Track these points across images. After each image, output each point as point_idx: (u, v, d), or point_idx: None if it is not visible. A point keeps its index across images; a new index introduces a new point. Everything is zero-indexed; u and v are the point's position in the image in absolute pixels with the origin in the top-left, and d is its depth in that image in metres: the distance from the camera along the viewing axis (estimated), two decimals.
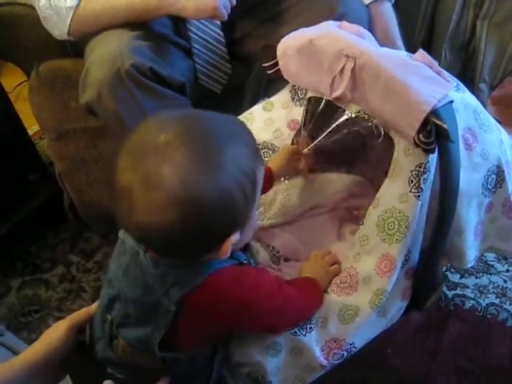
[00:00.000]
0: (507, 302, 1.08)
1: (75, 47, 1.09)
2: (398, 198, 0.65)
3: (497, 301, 1.08)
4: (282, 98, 0.84)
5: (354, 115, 0.68)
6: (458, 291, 1.10)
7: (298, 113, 0.82)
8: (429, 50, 1.50)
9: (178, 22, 1.02)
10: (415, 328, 1.04)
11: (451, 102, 0.59)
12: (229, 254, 0.56)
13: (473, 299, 1.09)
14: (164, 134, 0.50)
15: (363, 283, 0.68)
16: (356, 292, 0.69)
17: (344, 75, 0.64)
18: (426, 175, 0.63)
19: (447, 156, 0.59)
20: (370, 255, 0.68)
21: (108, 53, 0.88)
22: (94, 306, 0.68)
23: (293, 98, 0.82)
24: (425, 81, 0.60)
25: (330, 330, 0.68)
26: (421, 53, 0.63)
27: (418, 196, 0.63)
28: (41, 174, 1.34)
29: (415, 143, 0.61)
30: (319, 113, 0.80)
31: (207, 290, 0.56)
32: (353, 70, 0.63)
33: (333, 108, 0.78)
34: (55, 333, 0.65)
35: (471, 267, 1.11)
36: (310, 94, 0.79)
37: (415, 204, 0.63)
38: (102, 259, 1.26)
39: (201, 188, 0.49)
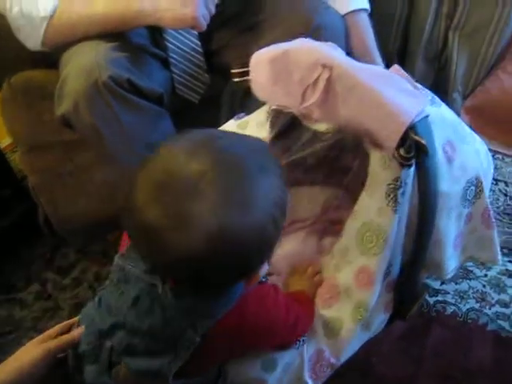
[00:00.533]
0: (487, 307, 1.09)
1: (47, 58, 1.06)
2: (376, 211, 0.65)
3: (477, 305, 1.10)
4: (257, 116, 0.83)
5: (323, 131, 0.68)
6: (439, 298, 1.11)
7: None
8: (403, 60, 1.53)
9: (155, 32, 1.01)
10: (399, 335, 1.04)
11: (427, 116, 0.60)
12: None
13: (453, 305, 1.10)
14: (195, 164, 0.47)
15: (345, 294, 0.69)
16: (338, 303, 0.69)
17: (318, 85, 0.63)
18: (402, 189, 0.63)
19: (426, 171, 0.59)
20: (349, 267, 0.68)
21: (85, 64, 0.86)
22: (77, 333, 0.63)
23: (267, 118, 0.81)
24: (402, 93, 0.60)
25: (317, 343, 0.68)
26: (396, 68, 0.64)
27: (395, 210, 0.63)
28: (13, 189, 1.30)
29: (394, 156, 0.61)
30: (286, 126, 0.80)
31: (233, 315, 0.55)
32: (328, 80, 0.63)
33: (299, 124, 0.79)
34: (27, 356, 0.61)
35: None
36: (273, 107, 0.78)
37: (393, 218, 0.64)
38: (79, 275, 1.22)
39: (236, 226, 0.47)
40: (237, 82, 0.78)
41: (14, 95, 1.07)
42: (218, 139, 0.52)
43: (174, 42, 1.03)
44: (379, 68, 0.67)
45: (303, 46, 0.66)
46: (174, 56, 1.04)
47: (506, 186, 1.36)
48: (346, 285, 0.68)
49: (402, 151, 0.58)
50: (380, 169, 0.64)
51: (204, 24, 0.89)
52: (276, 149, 0.81)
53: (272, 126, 0.79)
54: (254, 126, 0.82)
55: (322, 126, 0.70)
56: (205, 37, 1.05)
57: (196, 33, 1.03)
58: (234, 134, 0.54)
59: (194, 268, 0.49)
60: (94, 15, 0.90)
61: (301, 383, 0.68)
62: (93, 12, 0.90)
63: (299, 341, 0.67)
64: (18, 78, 1.08)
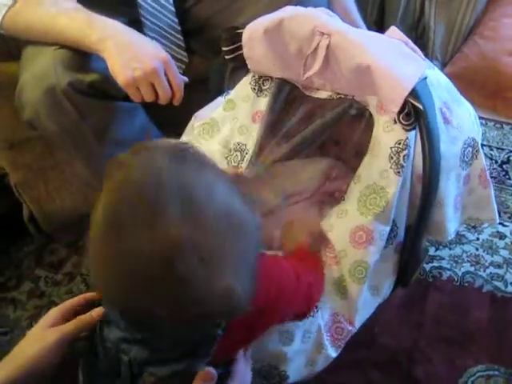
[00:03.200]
0: (481, 269, 1.11)
1: (20, 50, 1.02)
2: (378, 174, 0.65)
3: (471, 269, 1.12)
4: (241, 92, 0.81)
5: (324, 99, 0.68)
6: (435, 263, 1.12)
7: (262, 104, 0.79)
8: (381, 30, 1.52)
9: (134, 12, 0.98)
10: (398, 304, 1.05)
11: (425, 78, 0.59)
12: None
13: (449, 270, 1.11)
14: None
15: (342, 253, 0.69)
16: (340, 263, 0.70)
17: (318, 53, 0.63)
18: (405, 151, 0.63)
19: (426, 133, 0.60)
20: (344, 226, 0.68)
21: (41, 71, 0.84)
22: (96, 313, 0.58)
23: (254, 89, 0.80)
24: (403, 58, 0.60)
25: (331, 307, 0.69)
26: (393, 29, 0.63)
27: (399, 172, 0.64)
28: None
29: (395, 121, 0.60)
30: (285, 100, 0.79)
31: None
32: (327, 47, 0.62)
33: (298, 94, 0.78)
34: (36, 345, 0.55)
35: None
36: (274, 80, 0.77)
37: (396, 180, 0.64)
38: (71, 270, 1.19)
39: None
40: (229, 58, 0.76)
41: None
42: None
43: (150, 18, 1.00)
44: (377, 33, 0.66)
45: (298, 14, 0.65)
46: (151, 34, 1.01)
47: (491, 150, 1.38)
48: (342, 244, 0.68)
49: (401, 117, 0.58)
50: (383, 132, 0.64)
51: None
52: (275, 124, 0.80)
53: (274, 99, 0.77)
54: (241, 101, 0.81)
55: (323, 94, 0.68)
56: (182, 15, 1.02)
57: (173, 9, 1.00)
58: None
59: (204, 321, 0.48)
60: (52, 27, 0.85)
61: (321, 348, 0.69)
62: (51, 23, 0.85)
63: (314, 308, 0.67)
64: None
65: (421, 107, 0.58)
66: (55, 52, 0.85)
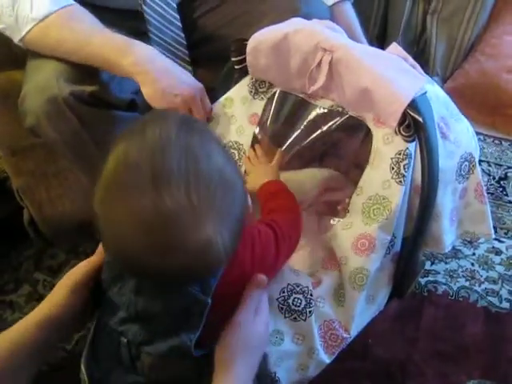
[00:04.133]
0: (476, 284, 1.12)
1: (26, 59, 1.04)
2: (380, 184, 0.67)
3: (467, 284, 1.12)
4: (240, 92, 0.83)
5: (326, 110, 0.69)
6: (430, 278, 1.13)
7: (258, 106, 0.82)
8: (383, 44, 1.54)
9: (137, 25, 1.00)
10: (393, 317, 1.06)
11: (425, 93, 0.61)
12: None
13: (444, 284, 1.12)
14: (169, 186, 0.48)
15: (343, 260, 0.70)
16: (337, 270, 0.71)
17: (322, 68, 0.64)
18: (406, 161, 0.65)
19: (426, 145, 0.61)
20: (347, 234, 0.70)
21: (43, 81, 0.85)
22: (92, 259, 0.64)
23: (250, 92, 0.82)
24: (402, 74, 0.61)
25: (328, 310, 0.70)
26: (394, 46, 0.65)
27: (400, 181, 0.65)
28: None
29: (395, 132, 0.62)
30: (287, 112, 0.80)
31: (232, 266, 0.57)
32: (330, 63, 0.64)
33: (300, 105, 0.79)
34: (55, 297, 0.62)
35: (440, 254, 1.15)
36: (275, 90, 0.79)
37: (398, 189, 0.66)
38: None
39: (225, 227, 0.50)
40: (237, 68, 0.79)
41: None
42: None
43: (157, 33, 1.02)
44: (378, 49, 0.67)
45: (303, 29, 0.67)
46: (157, 48, 1.03)
47: (489, 166, 1.39)
48: (343, 251, 0.69)
49: (402, 129, 0.59)
50: (383, 144, 0.66)
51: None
52: (280, 134, 0.82)
53: (271, 110, 0.79)
54: (239, 102, 0.83)
55: (327, 103, 0.70)
56: (189, 25, 1.04)
57: (180, 24, 1.02)
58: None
59: (185, 271, 0.51)
60: (86, 45, 0.85)
61: (313, 352, 0.69)
62: (85, 41, 0.85)
63: (305, 313, 0.68)
64: None
65: (421, 120, 0.60)
66: (57, 65, 0.86)
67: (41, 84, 0.85)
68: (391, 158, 0.65)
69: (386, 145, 0.66)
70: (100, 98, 0.87)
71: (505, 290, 1.11)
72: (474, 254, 1.18)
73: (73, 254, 1.25)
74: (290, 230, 0.67)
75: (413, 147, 0.64)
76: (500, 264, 1.16)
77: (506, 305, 1.08)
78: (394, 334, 1.04)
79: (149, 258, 0.49)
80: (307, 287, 0.68)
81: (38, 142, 1.08)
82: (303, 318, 0.68)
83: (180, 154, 0.49)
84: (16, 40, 0.90)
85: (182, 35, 1.03)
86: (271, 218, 0.68)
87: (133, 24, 1.01)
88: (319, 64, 0.65)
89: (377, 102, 0.62)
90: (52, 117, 0.85)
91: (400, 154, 0.64)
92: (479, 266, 1.15)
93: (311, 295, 0.68)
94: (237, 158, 0.83)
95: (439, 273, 1.14)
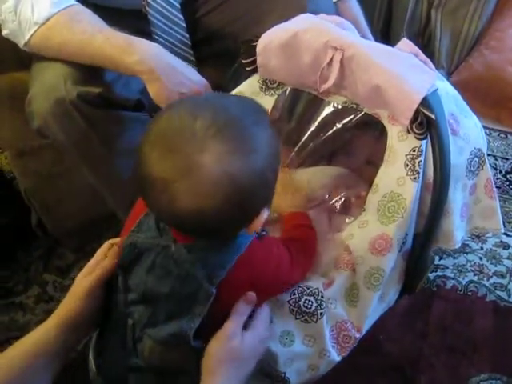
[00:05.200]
0: (485, 279, 1.12)
1: (31, 59, 1.04)
2: (395, 181, 0.67)
3: (475, 278, 1.12)
4: (250, 87, 0.82)
5: (340, 107, 0.69)
6: (439, 273, 1.13)
7: (268, 102, 0.81)
8: (387, 38, 1.54)
9: (142, 26, 1.00)
10: (403, 312, 1.06)
11: (436, 90, 0.61)
12: (255, 233, 0.60)
13: (453, 279, 1.12)
14: (198, 122, 0.51)
15: (359, 260, 0.70)
16: (355, 270, 0.71)
17: (333, 67, 0.64)
18: (420, 158, 0.65)
19: (438, 142, 0.61)
20: (365, 235, 0.70)
21: (51, 82, 0.85)
22: (105, 263, 0.67)
23: (261, 88, 0.81)
24: (413, 70, 0.61)
25: (339, 313, 0.70)
26: (405, 42, 0.64)
27: (415, 178, 0.65)
28: (4, 190, 1.27)
29: (408, 131, 0.62)
30: (300, 109, 0.80)
31: (243, 265, 0.59)
32: (341, 61, 0.64)
33: (313, 103, 0.79)
34: (75, 296, 0.65)
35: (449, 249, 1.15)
36: (286, 87, 0.79)
37: (413, 186, 0.65)
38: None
39: (241, 172, 0.51)
40: (244, 69, 0.79)
41: (1, 99, 1.05)
42: (216, 100, 0.57)
43: (162, 34, 1.01)
44: (388, 46, 0.67)
45: (311, 27, 0.67)
46: None
47: (495, 159, 1.39)
48: (359, 250, 0.69)
49: (414, 126, 0.59)
50: (398, 141, 0.66)
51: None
52: (293, 133, 0.82)
53: (291, 106, 0.79)
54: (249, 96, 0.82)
55: (340, 99, 0.70)
56: (193, 25, 1.04)
57: (184, 25, 1.02)
58: (230, 95, 0.62)
59: (203, 216, 0.52)
60: (89, 45, 0.84)
61: (324, 354, 0.69)
62: (88, 41, 0.84)
63: (316, 314, 0.68)
64: (2, 80, 1.05)
65: (433, 117, 0.60)
66: (63, 66, 0.86)
67: (47, 86, 0.86)
68: (406, 155, 0.65)
69: (401, 142, 0.66)
70: (107, 99, 0.87)
71: None
72: (482, 248, 1.18)
73: (81, 253, 1.25)
74: (303, 258, 0.69)
75: (425, 144, 0.64)
76: (508, 258, 1.16)
77: None
78: (405, 329, 1.04)
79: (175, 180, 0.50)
80: (317, 289, 0.69)
81: (44, 143, 1.07)
82: (314, 319, 0.68)
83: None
84: (21, 45, 0.90)
85: (187, 35, 1.03)
86: (290, 243, 0.69)
87: (137, 24, 1.01)
88: (330, 62, 0.65)
89: (388, 100, 0.62)
90: (59, 118, 0.86)
91: (415, 151, 0.64)
92: (487, 261, 1.15)
93: (322, 297, 0.68)
94: None
95: (448, 267, 1.14)
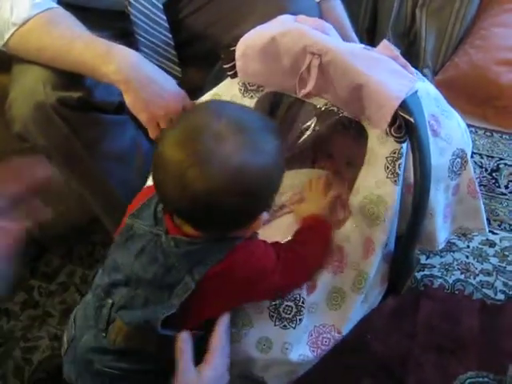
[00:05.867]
0: (471, 277, 1.13)
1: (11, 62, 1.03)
2: (374, 184, 0.66)
3: (462, 276, 1.13)
4: (230, 90, 0.81)
5: (321, 108, 0.69)
6: (426, 272, 1.13)
7: (248, 105, 0.79)
8: (373, 37, 1.54)
9: (127, 26, 0.99)
10: (390, 311, 1.06)
11: (416, 92, 0.61)
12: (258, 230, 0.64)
13: (440, 278, 1.13)
14: (219, 121, 0.58)
15: (351, 266, 0.70)
16: (343, 273, 0.71)
17: (311, 72, 0.64)
18: (400, 160, 0.65)
19: (417, 145, 0.61)
20: (359, 239, 0.70)
21: (30, 88, 0.84)
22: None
23: (240, 90, 0.80)
24: (392, 75, 0.61)
25: (319, 316, 0.70)
26: (384, 45, 0.64)
27: (395, 181, 0.65)
28: None
29: (387, 134, 0.62)
30: (281, 112, 0.80)
31: (224, 263, 0.61)
32: (319, 66, 0.63)
33: (294, 105, 0.78)
34: None
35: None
36: (266, 89, 0.78)
37: (393, 189, 0.65)
38: (65, 280, 1.20)
39: (252, 166, 0.57)
40: (224, 73, 0.79)
41: None
42: (238, 107, 0.66)
43: (144, 35, 1.01)
44: (368, 50, 0.67)
45: (289, 30, 0.66)
46: (145, 50, 1.02)
47: (481, 158, 1.40)
48: (354, 257, 0.69)
49: (393, 129, 0.59)
50: (378, 144, 0.66)
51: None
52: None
53: (272, 109, 0.79)
54: (229, 100, 0.81)
55: (321, 101, 0.70)
56: (176, 25, 1.03)
57: (167, 25, 1.01)
58: (240, 105, 0.69)
59: (209, 204, 0.57)
60: (67, 51, 0.83)
61: (302, 358, 0.69)
62: (66, 48, 0.82)
63: (296, 320, 0.68)
64: None
65: (412, 120, 0.60)
66: (43, 70, 0.85)
67: (27, 90, 0.84)
68: (386, 158, 0.65)
69: (381, 144, 0.65)
70: (88, 103, 0.86)
71: (499, 281, 1.11)
72: (468, 246, 1.18)
73: (67, 258, 1.24)
74: (298, 267, 0.69)
75: (405, 146, 0.64)
76: (494, 256, 1.16)
77: (501, 296, 1.09)
78: (392, 328, 1.04)
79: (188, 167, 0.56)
80: (299, 294, 0.68)
81: (26, 147, 1.06)
82: (293, 325, 0.68)
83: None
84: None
85: (170, 36, 1.02)
86: (288, 246, 0.70)
87: (120, 25, 1.00)
88: (308, 67, 0.64)
89: (367, 104, 0.62)
90: (40, 123, 0.85)
91: (395, 153, 0.64)
92: (474, 259, 1.16)
93: (302, 303, 0.68)
94: None
95: (435, 266, 1.15)
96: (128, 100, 0.81)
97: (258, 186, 0.58)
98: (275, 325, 0.68)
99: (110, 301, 0.65)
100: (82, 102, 0.86)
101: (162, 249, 0.63)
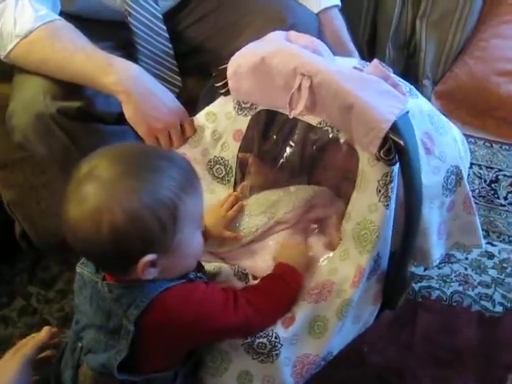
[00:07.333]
0: (469, 289, 1.12)
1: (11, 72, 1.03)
2: (367, 208, 0.66)
3: (460, 288, 1.13)
4: (224, 108, 0.82)
5: (315, 125, 0.69)
6: (424, 283, 1.13)
7: (243, 123, 0.80)
8: (373, 49, 1.54)
9: (129, 36, 1.00)
10: (388, 323, 1.06)
11: (407, 113, 0.61)
12: (149, 277, 0.60)
13: (438, 289, 1.12)
14: (96, 160, 0.58)
15: (336, 294, 0.69)
16: (325, 301, 0.69)
17: (302, 93, 0.64)
18: (392, 184, 0.64)
19: (408, 168, 0.60)
20: (349, 268, 0.68)
21: (30, 99, 0.85)
22: (42, 334, 0.73)
23: (234, 108, 0.80)
24: (382, 96, 0.61)
25: (301, 347, 0.68)
26: (375, 65, 0.64)
27: (387, 205, 0.64)
28: None
29: (377, 158, 0.62)
30: (275, 129, 0.80)
31: (158, 310, 0.61)
32: (311, 87, 0.63)
33: (287, 122, 0.78)
34: (7, 375, 0.68)
35: None
36: (260, 107, 0.78)
37: (384, 213, 0.64)
38: (64, 287, 1.20)
39: (117, 205, 0.55)
40: (222, 92, 0.79)
41: None
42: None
43: (144, 44, 1.01)
44: (358, 71, 0.66)
45: (279, 51, 0.66)
46: (145, 60, 1.03)
47: (480, 168, 1.40)
48: (342, 286, 0.68)
49: (382, 152, 0.59)
50: (369, 167, 0.65)
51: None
52: (269, 152, 0.81)
53: (266, 126, 0.79)
54: (223, 117, 0.82)
55: (314, 120, 0.69)
56: (176, 36, 1.04)
57: (167, 35, 1.02)
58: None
59: (88, 242, 0.57)
60: (69, 63, 0.84)
61: None
62: (68, 59, 0.83)
63: (272, 355, 0.66)
64: None
65: (401, 143, 0.59)
66: (43, 80, 0.86)
67: (27, 101, 0.85)
68: (378, 181, 0.64)
69: (372, 167, 0.65)
70: (88, 113, 0.87)
71: (498, 293, 1.11)
72: (466, 258, 1.18)
73: (66, 265, 1.24)
74: (263, 304, 0.68)
75: (397, 168, 0.63)
76: (493, 268, 1.16)
77: (499, 309, 1.08)
78: (389, 341, 1.04)
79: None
80: (272, 330, 0.67)
81: (26, 155, 1.07)
82: (270, 360, 0.66)
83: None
84: (1, 57, 0.90)
85: (170, 46, 1.03)
86: (244, 290, 0.70)
87: (121, 35, 1.01)
88: (299, 88, 0.64)
89: (356, 127, 0.62)
90: (40, 134, 0.85)
91: (387, 176, 0.63)
92: (472, 270, 1.16)
93: (276, 338, 0.66)
94: (223, 173, 0.83)
95: (433, 278, 1.15)
96: (126, 111, 0.82)
97: (125, 229, 0.56)
98: (253, 358, 0.67)
99: (80, 344, 0.67)
100: (82, 113, 0.86)
101: (100, 295, 0.64)
